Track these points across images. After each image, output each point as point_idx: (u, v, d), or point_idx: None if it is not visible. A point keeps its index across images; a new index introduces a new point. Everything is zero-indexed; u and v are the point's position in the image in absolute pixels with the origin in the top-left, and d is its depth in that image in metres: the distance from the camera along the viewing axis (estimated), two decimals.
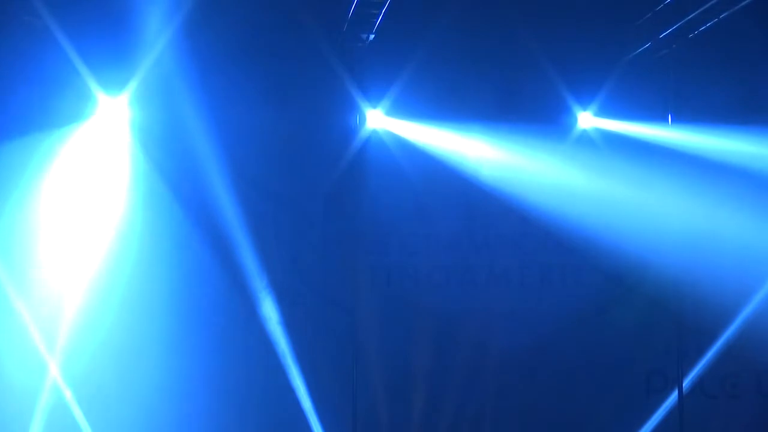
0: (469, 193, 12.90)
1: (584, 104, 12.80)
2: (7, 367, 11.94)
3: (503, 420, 12.76)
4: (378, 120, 12.57)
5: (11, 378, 11.96)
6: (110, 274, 12.12)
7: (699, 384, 12.79)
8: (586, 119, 12.82)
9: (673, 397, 12.37)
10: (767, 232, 12.87)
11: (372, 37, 12.04)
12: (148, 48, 11.74)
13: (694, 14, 11.38)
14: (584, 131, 12.86)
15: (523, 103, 12.76)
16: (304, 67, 12.52)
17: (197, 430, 12.42)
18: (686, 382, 12.38)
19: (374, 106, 12.51)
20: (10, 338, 11.97)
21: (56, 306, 12.22)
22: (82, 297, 12.09)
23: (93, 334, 12.14)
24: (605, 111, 12.77)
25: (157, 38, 11.67)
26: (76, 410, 12.09)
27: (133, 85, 12.01)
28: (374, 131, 12.59)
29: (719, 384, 12.89)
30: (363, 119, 12.29)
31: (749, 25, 11.91)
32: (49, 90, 11.90)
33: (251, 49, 12.13)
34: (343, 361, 11.82)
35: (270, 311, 12.29)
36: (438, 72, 12.35)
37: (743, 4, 11.01)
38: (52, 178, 12.08)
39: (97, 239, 12.12)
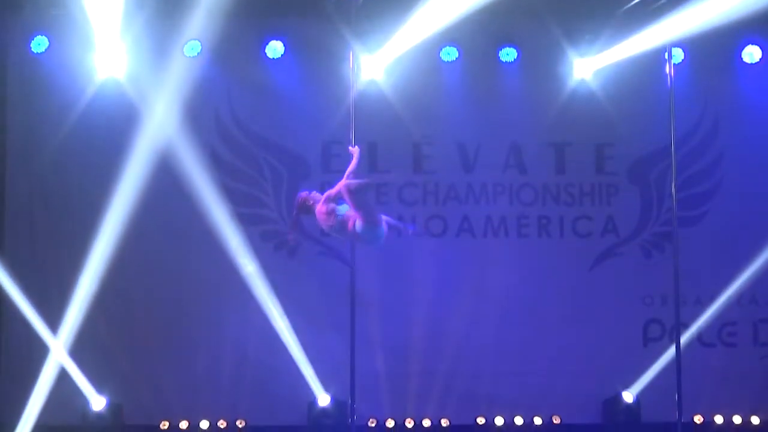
0: (467, 142, 12.94)
1: (582, 53, 12.77)
2: None
3: (501, 372, 12.80)
4: (375, 68, 12.55)
5: None
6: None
7: (696, 333, 12.84)
8: (583, 67, 12.82)
9: (671, 346, 12.31)
10: None
11: None
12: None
13: None
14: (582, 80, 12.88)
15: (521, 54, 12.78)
16: (301, 16, 12.52)
17: (194, 384, 12.50)
18: (683, 332, 12.35)
19: (371, 54, 12.50)
20: None
21: None
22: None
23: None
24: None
25: None
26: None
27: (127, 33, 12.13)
28: (372, 80, 12.60)
29: (716, 333, 12.95)
30: (359, 68, 12.22)
31: None
32: None
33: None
34: (341, 312, 11.80)
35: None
36: None
37: None
38: None
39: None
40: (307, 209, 9.25)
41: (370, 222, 8.96)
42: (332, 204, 9.12)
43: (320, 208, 9.15)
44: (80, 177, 12.49)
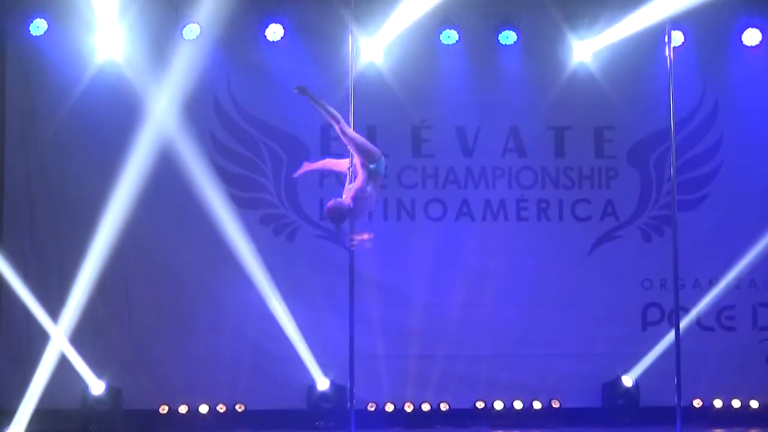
0: (466, 125, 12.91)
1: (581, 36, 12.76)
2: None
3: (500, 355, 12.80)
4: (374, 50, 12.53)
5: None
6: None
7: (695, 317, 12.85)
8: (583, 50, 12.80)
9: (670, 330, 12.28)
10: None
11: None
12: None
13: None
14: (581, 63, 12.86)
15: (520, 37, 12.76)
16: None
17: (193, 369, 12.49)
18: (682, 315, 12.33)
19: (370, 37, 12.49)
20: None
21: None
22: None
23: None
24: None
25: None
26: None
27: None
28: (371, 62, 12.57)
29: (715, 317, 12.95)
30: (359, 51, 12.16)
31: None
32: None
33: None
34: (340, 296, 11.77)
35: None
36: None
37: None
38: None
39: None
40: (344, 214, 9.27)
41: (374, 157, 9.30)
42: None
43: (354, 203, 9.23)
44: (79, 161, 12.50)
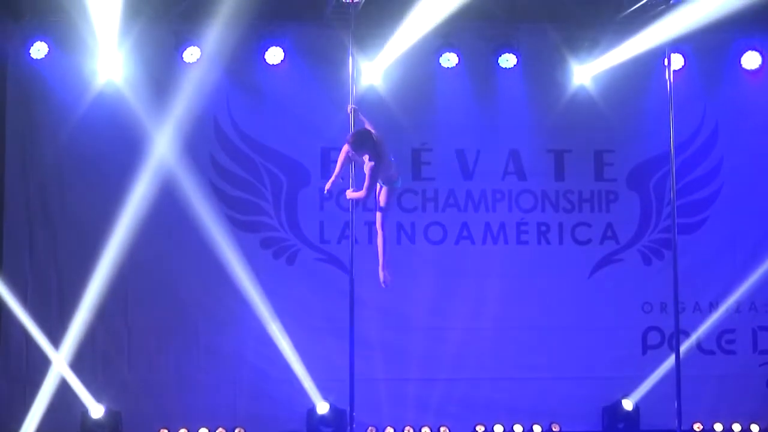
0: (466, 149, 12.93)
1: (581, 59, 12.78)
2: None
3: (500, 379, 12.77)
4: (374, 73, 12.55)
5: None
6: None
7: (695, 340, 12.84)
8: (583, 73, 12.82)
9: (670, 353, 12.26)
10: None
11: None
12: None
13: None
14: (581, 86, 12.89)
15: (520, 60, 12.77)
16: (301, 21, 12.53)
17: (192, 392, 12.46)
18: (683, 339, 12.32)
19: (370, 60, 12.51)
20: None
21: None
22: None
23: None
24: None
25: None
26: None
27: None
28: (371, 85, 12.59)
29: (715, 340, 12.93)
30: (359, 73, 12.16)
31: None
32: None
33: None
34: (340, 319, 11.75)
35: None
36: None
37: None
38: None
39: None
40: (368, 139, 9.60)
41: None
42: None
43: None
44: (79, 184, 12.47)
